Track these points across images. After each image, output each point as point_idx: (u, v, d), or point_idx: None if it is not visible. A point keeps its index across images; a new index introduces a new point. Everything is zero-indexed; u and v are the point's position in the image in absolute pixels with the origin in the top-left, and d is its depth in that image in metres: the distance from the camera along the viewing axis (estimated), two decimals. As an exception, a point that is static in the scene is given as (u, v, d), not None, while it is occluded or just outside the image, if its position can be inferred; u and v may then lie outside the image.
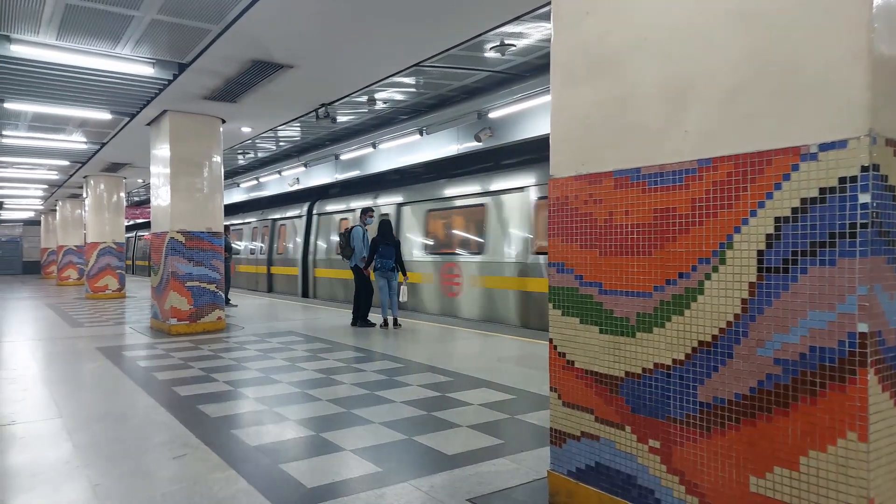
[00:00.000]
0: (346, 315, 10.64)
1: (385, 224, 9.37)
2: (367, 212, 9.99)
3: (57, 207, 23.15)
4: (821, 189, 2.07)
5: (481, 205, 11.07)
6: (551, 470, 3.06)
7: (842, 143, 2.01)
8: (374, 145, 13.30)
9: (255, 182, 20.05)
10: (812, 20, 2.09)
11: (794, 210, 2.14)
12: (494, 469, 3.49)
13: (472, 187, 11.51)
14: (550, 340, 3.05)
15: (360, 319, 9.69)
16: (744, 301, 2.28)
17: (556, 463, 3.04)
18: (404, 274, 9.38)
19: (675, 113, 2.50)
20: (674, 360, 2.51)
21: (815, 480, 2.07)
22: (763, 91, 2.22)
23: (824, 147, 2.05)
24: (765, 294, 2.22)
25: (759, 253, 2.24)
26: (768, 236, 2.21)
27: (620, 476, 2.72)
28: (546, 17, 6.79)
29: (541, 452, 3.70)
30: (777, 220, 2.19)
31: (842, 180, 2.02)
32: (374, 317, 9.96)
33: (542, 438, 3.94)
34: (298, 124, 12.23)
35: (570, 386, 2.95)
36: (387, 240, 9.20)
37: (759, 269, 2.24)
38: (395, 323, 9.40)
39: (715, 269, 2.37)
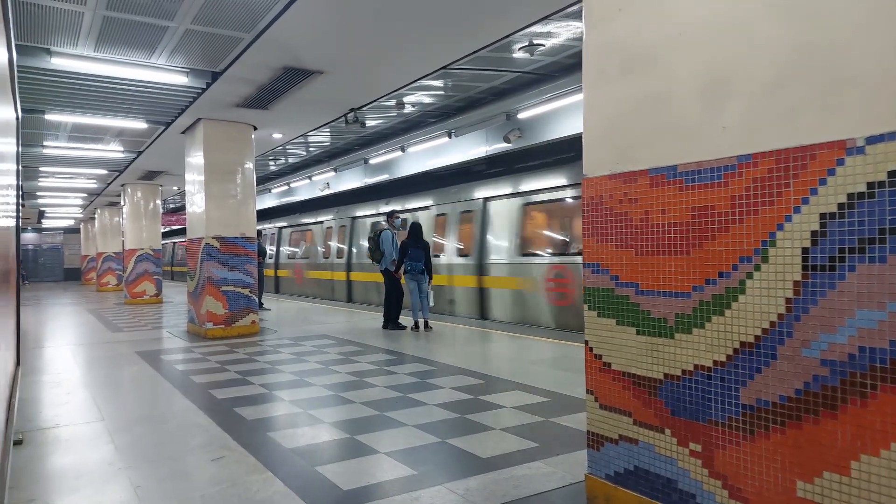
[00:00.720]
0: (374, 318, 10.69)
1: (415, 227, 9.40)
2: (392, 214, 10.01)
3: (96, 215, 23.75)
4: (868, 184, 2.00)
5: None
6: (589, 473, 3.01)
7: (891, 136, 1.94)
8: (402, 149, 13.35)
9: (286, 187, 20.30)
10: (857, 9, 2.02)
11: (841, 206, 2.08)
12: (530, 472, 3.45)
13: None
14: (586, 342, 3.01)
15: (390, 322, 9.72)
16: (788, 300, 2.22)
17: (593, 466, 2.99)
18: (431, 277, 9.38)
19: (712, 109, 2.45)
20: (714, 362, 2.45)
21: (867, 486, 2.00)
22: (805, 84, 2.15)
23: (872, 140, 1.98)
24: (810, 293, 2.16)
25: (804, 251, 2.17)
26: (813, 233, 2.15)
27: (660, 480, 2.67)
28: (575, 16, 6.74)
29: (576, 456, 3.66)
30: (822, 216, 2.12)
31: (891, 174, 1.95)
32: (405, 319, 9.97)
33: (578, 441, 3.89)
34: (328, 129, 12.36)
35: (607, 388, 2.90)
36: (416, 242, 9.23)
37: (805, 268, 2.17)
38: (426, 326, 9.40)
39: (757, 268, 2.31)
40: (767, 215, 2.28)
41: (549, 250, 10.29)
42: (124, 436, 4.38)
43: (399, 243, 9.52)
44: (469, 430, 4.29)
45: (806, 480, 2.16)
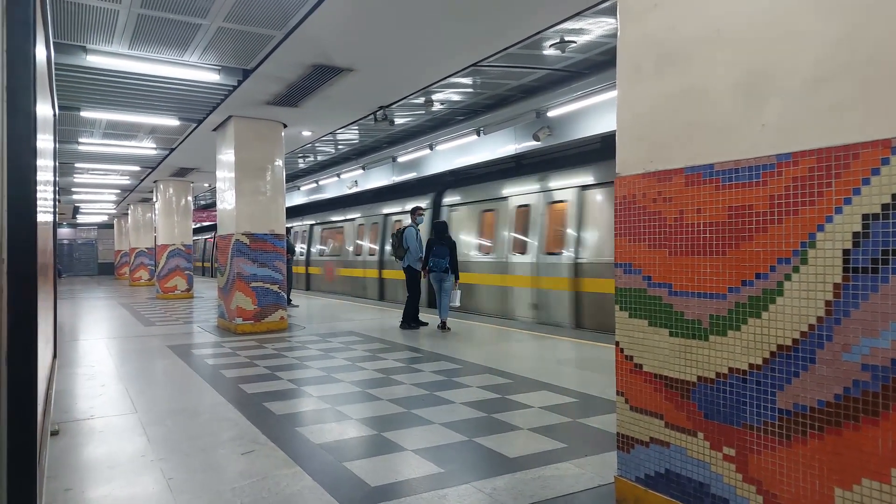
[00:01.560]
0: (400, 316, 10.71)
1: (439, 224, 9.33)
2: (416, 211, 9.86)
3: (129, 211, 24.23)
4: (914, 184, 1.94)
5: None
6: (618, 476, 2.98)
7: (939, 135, 1.88)
8: (430, 147, 13.35)
9: (314, 185, 20.46)
10: (905, 4, 1.96)
11: (885, 206, 2.02)
12: (558, 473, 3.43)
13: None
14: (617, 343, 2.98)
15: (410, 321, 9.62)
16: (828, 303, 2.16)
17: (623, 468, 2.96)
18: (457, 277, 9.20)
19: (751, 106, 2.40)
20: (750, 365, 2.41)
21: (910, 495, 1.94)
22: (850, 81, 2.09)
23: (919, 139, 1.92)
24: (851, 296, 2.10)
25: (845, 252, 2.12)
26: (855, 235, 2.09)
27: (692, 484, 2.63)
28: (608, 13, 6.67)
29: (605, 457, 3.62)
30: (865, 217, 2.07)
31: (939, 174, 1.89)
32: (426, 318, 9.97)
33: (606, 443, 3.86)
34: (357, 127, 12.41)
35: (638, 390, 2.87)
36: (441, 240, 9.16)
37: (846, 270, 2.12)
38: (444, 326, 9.27)
39: (796, 270, 2.25)
40: (807, 216, 2.22)
41: None
42: (157, 428, 4.46)
43: (427, 241, 9.49)
44: (496, 429, 4.27)
45: (844, 488, 2.11)
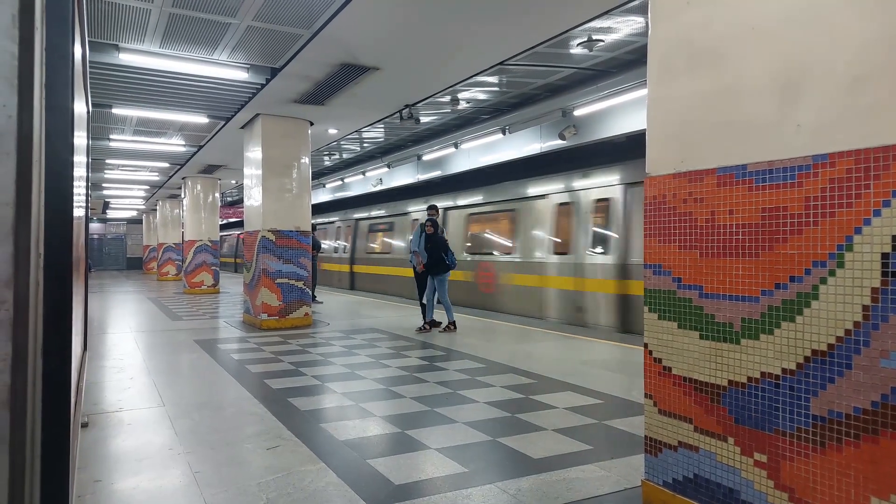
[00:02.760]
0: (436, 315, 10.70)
1: (428, 223, 9.07)
2: (430, 209, 9.63)
3: (157, 207, 24.60)
4: (959, 186, 1.88)
5: None
6: (646, 479, 2.95)
7: None
8: (455, 145, 13.35)
9: (339, 182, 20.58)
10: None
11: (926, 209, 1.96)
12: (583, 475, 3.40)
13: None
14: (645, 345, 2.94)
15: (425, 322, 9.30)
16: (865, 308, 2.11)
17: (650, 472, 2.92)
18: (439, 272, 8.94)
19: (786, 105, 2.35)
20: (783, 370, 2.36)
21: (951, 506, 1.89)
22: (889, 80, 2.04)
23: (964, 140, 1.87)
24: (890, 300, 2.05)
25: (884, 256, 2.06)
26: (894, 238, 2.04)
27: (721, 490, 2.58)
28: (637, 11, 6.59)
29: (631, 460, 3.58)
30: (905, 220, 2.01)
31: None
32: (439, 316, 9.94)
33: (633, 446, 3.81)
34: (382, 125, 12.44)
35: (667, 393, 2.83)
36: (431, 239, 8.92)
37: (884, 274, 2.06)
38: (429, 325, 9.04)
39: (832, 273, 2.20)
40: (844, 218, 2.17)
41: None
42: (184, 421, 4.51)
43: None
44: (520, 429, 4.25)
45: (882, 497, 2.06)
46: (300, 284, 9.92)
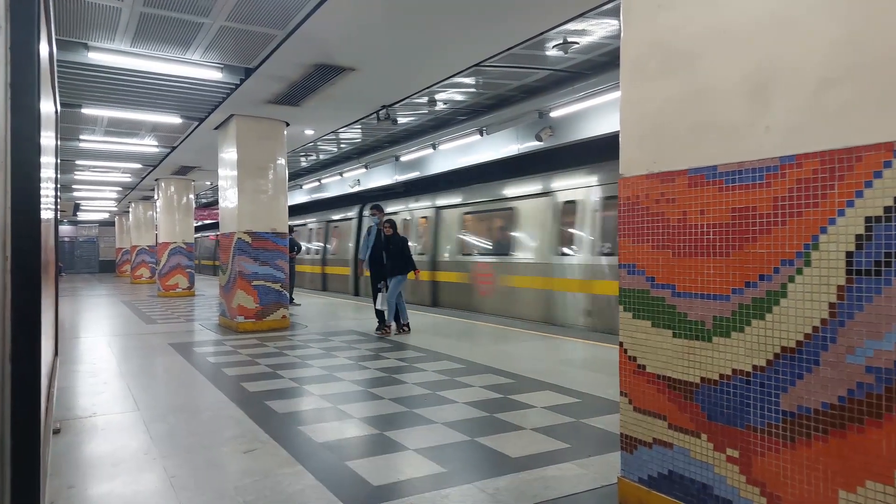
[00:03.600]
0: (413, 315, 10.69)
1: (390, 223, 8.91)
2: (375, 209, 9.34)
3: (130, 209, 24.24)
4: (919, 186, 1.94)
5: None
6: (622, 476, 2.98)
7: (944, 137, 1.87)
8: (433, 146, 13.35)
9: (316, 183, 20.47)
10: (911, 6, 1.95)
11: (888, 209, 2.02)
12: (561, 473, 3.43)
13: None
14: (620, 344, 2.98)
15: (395, 324, 9.08)
16: (832, 305, 2.16)
17: (626, 469, 2.96)
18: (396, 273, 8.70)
19: (755, 108, 2.40)
20: (754, 367, 2.40)
21: (914, 497, 1.94)
22: (855, 83, 2.09)
23: (924, 141, 1.92)
24: (855, 298, 2.10)
25: (849, 254, 2.12)
26: (858, 237, 2.09)
27: (695, 485, 2.63)
28: (611, 14, 6.66)
29: (608, 458, 3.62)
30: (868, 219, 2.07)
31: (944, 177, 1.88)
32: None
33: (610, 443, 3.86)
34: (359, 126, 12.41)
35: (642, 391, 2.87)
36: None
37: (849, 272, 2.11)
38: (386, 326, 8.88)
39: (799, 272, 2.25)
40: (811, 218, 2.22)
41: None
42: (159, 426, 4.46)
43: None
44: (499, 429, 4.27)
45: (849, 490, 2.11)
46: (277, 286, 9.85)
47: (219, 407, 4.99)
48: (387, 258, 8.79)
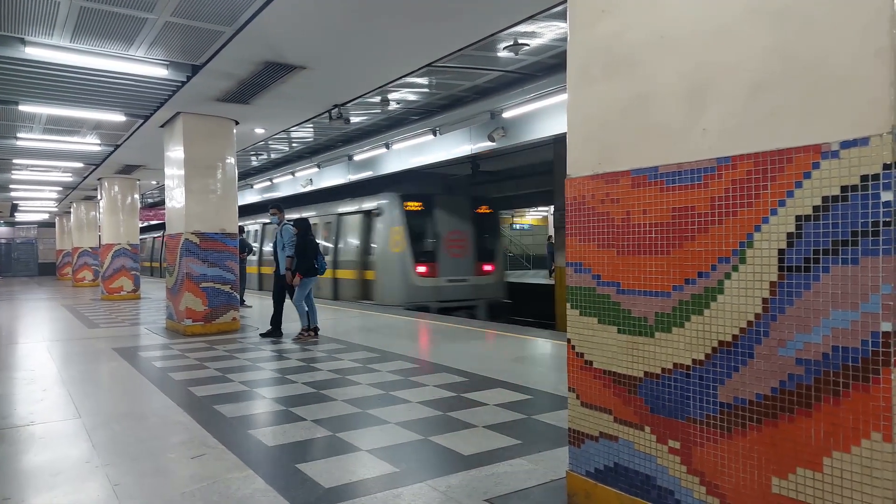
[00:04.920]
0: (360, 316, 10.64)
1: (304, 223, 8.67)
2: (275, 209, 8.97)
3: (71, 209, 23.37)
4: (842, 187, 2.05)
5: None
6: (570, 470, 3.05)
7: (864, 141, 1.99)
8: (387, 146, 13.32)
9: (268, 183, 20.15)
10: (834, 16, 2.06)
11: (816, 208, 2.12)
12: (511, 469, 3.48)
13: None
14: (568, 340, 3.04)
15: (275, 329, 8.97)
16: (765, 300, 2.26)
17: (574, 463, 3.03)
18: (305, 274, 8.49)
19: (693, 111, 2.48)
20: (693, 361, 2.49)
21: (839, 482, 2.05)
22: (785, 89, 2.19)
23: (846, 144, 2.03)
24: (786, 293, 2.20)
25: (780, 252, 2.22)
26: (789, 235, 2.19)
27: (639, 476, 2.71)
28: (560, 17, 6.77)
29: (558, 453, 3.69)
30: (798, 218, 2.17)
31: (864, 178, 1.99)
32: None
33: (560, 439, 3.93)
34: (311, 125, 12.27)
35: (589, 386, 2.94)
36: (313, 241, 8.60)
37: (781, 269, 2.21)
38: (312, 331, 8.73)
39: (735, 269, 2.35)
40: (745, 217, 2.32)
41: None
42: (102, 433, 4.33)
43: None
44: (451, 427, 4.30)
45: (781, 477, 2.21)
46: (227, 288, 9.66)
47: (165, 412, 4.87)
48: (298, 259, 8.39)
